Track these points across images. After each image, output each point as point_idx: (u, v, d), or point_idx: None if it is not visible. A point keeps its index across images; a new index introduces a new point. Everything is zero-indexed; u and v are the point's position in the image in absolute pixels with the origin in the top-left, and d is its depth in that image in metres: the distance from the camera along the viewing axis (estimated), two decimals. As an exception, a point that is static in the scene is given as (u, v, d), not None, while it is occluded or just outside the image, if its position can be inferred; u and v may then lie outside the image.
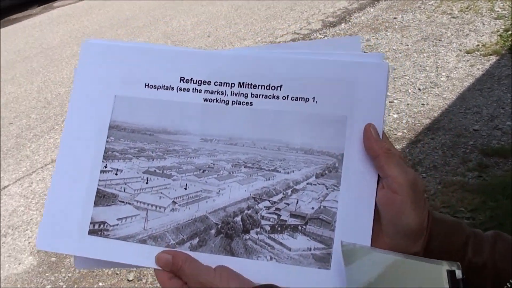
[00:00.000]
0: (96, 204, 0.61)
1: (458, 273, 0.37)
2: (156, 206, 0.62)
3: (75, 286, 2.40)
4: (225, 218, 0.60)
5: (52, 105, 4.63)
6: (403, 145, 2.88)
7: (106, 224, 0.61)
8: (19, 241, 2.83)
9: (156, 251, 0.60)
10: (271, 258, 0.59)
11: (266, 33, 5.04)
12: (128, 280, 2.35)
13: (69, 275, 2.47)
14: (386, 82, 0.61)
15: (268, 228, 0.60)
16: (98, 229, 0.61)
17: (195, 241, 0.60)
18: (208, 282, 0.55)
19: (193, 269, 0.57)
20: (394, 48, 4.11)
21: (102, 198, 0.62)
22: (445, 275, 0.37)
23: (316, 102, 0.61)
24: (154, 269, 0.60)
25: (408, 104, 3.26)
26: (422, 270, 0.41)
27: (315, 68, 0.62)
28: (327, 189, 0.60)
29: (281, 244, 0.59)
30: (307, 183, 0.61)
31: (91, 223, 0.61)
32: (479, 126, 2.95)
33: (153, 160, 0.63)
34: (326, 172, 0.60)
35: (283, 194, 0.61)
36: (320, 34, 4.76)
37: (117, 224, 0.61)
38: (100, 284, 2.37)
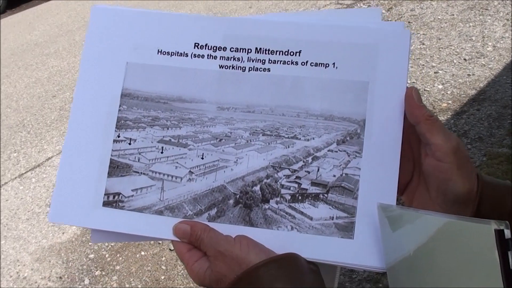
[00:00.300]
0: (110, 174, 0.60)
1: (507, 233, 0.35)
2: (172, 176, 0.60)
3: (118, 255, 2.44)
4: (244, 188, 0.58)
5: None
6: (448, 116, 2.81)
7: (120, 195, 0.59)
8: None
9: (173, 222, 0.58)
10: (292, 228, 0.57)
11: (309, 4, 4.92)
12: (170, 249, 2.37)
13: (112, 244, 2.51)
14: (408, 49, 0.58)
15: (288, 197, 0.58)
16: (112, 201, 0.59)
17: (213, 211, 0.58)
18: (228, 251, 0.53)
19: (212, 238, 0.55)
20: (439, 17, 3.97)
21: (116, 168, 0.60)
22: (494, 234, 0.35)
23: (336, 67, 0.59)
24: (172, 241, 0.58)
25: (453, 75, 3.18)
26: (471, 231, 0.39)
27: (336, 33, 0.60)
28: (349, 156, 0.58)
29: (302, 213, 0.57)
30: (328, 150, 0.58)
31: (105, 194, 0.59)
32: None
33: (167, 129, 0.61)
34: (348, 138, 0.58)
35: (303, 162, 0.58)
36: (363, 4, 4.64)
37: (132, 195, 0.59)
38: (142, 253, 2.40)
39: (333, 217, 0.56)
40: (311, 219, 0.57)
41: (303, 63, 0.60)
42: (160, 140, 0.61)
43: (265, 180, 0.58)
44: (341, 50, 0.59)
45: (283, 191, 0.58)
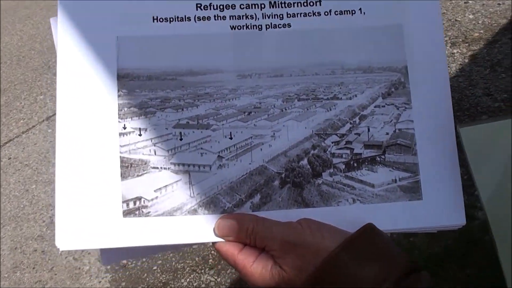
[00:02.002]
0: (123, 177, 0.48)
1: None
2: (199, 166, 0.50)
3: None
4: (289, 164, 0.50)
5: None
6: (481, 45, 2.78)
7: (142, 199, 0.48)
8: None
9: (212, 220, 0.48)
10: (354, 201, 0.50)
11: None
12: None
13: None
14: None
15: (342, 166, 0.50)
16: (134, 208, 0.48)
17: (257, 198, 0.50)
18: (298, 239, 0.45)
19: (271, 228, 0.46)
20: None
21: (130, 167, 0.48)
22: None
23: (364, 13, 0.52)
24: (215, 245, 0.49)
25: (483, 4, 3.13)
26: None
27: None
28: (398, 109, 0.52)
29: (361, 181, 0.50)
30: (375, 106, 0.52)
31: (123, 202, 0.48)
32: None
33: (182, 110, 0.50)
34: (393, 90, 0.52)
35: (351, 123, 0.51)
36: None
37: (156, 197, 0.49)
38: None
39: (396, 180, 0.50)
40: (373, 186, 0.50)
41: (326, 13, 0.52)
42: (176, 124, 0.50)
43: (312, 152, 0.50)
44: None
45: (335, 160, 0.50)
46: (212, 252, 1.95)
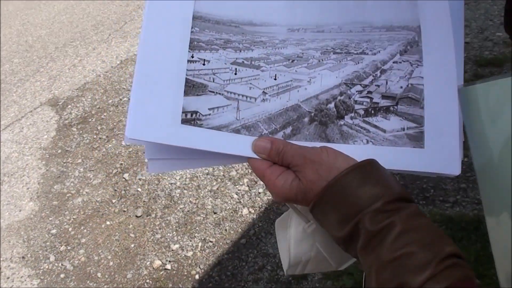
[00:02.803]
0: (186, 93, 0.60)
1: None
2: (247, 97, 0.62)
3: (82, 228, 2.37)
4: (318, 106, 0.61)
5: (34, 48, 4.45)
6: None
7: (198, 113, 0.60)
8: (17, 187, 2.76)
9: (250, 140, 0.60)
10: (367, 142, 0.60)
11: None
12: (136, 216, 2.34)
13: (74, 217, 2.45)
14: None
15: (362, 112, 0.61)
16: (190, 118, 0.60)
17: (288, 130, 0.61)
18: (316, 157, 0.55)
19: (297, 148, 0.58)
20: None
21: (192, 87, 0.61)
22: None
23: None
24: (249, 159, 0.60)
25: None
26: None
27: None
28: (411, 65, 0.61)
29: (375, 126, 0.60)
30: (393, 62, 0.62)
31: (183, 112, 0.60)
32: (470, 38, 3.01)
33: (240, 51, 0.63)
34: (408, 47, 0.62)
35: (373, 76, 0.62)
36: None
37: (209, 114, 0.60)
38: (108, 222, 2.36)
39: (404, 128, 0.60)
40: (384, 131, 0.60)
41: None
42: (233, 62, 0.62)
43: (339, 97, 0.61)
44: None
45: (356, 106, 0.61)
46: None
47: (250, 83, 0.62)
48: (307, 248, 0.64)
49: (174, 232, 2.19)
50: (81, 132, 3.06)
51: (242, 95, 0.62)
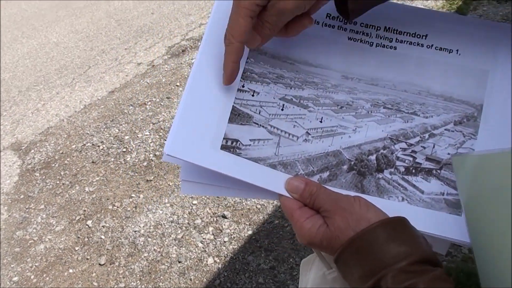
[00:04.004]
0: (230, 121, 0.61)
1: None
2: (289, 134, 0.61)
3: (44, 275, 2.31)
4: (359, 156, 0.61)
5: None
6: None
7: (239, 142, 0.60)
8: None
9: (285, 177, 0.60)
10: (402, 199, 0.59)
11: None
12: (99, 264, 2.28)
13: (36, 264, 2.38)
14: None
15: (402, 169, 0.60)
16: (230, 146, 0.60)
17: (325, 174, 0.60)
18: (348, 206, 0.55)
19: (330, 194, 0.57)
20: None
21: (237, 116, 0.61)
22: None
23: (460, 54, 0.62)
24: (281, 197, 0.59)
25: None
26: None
27: (462, 23, 0.63)
28: (464, 136, 0.60)
29: (414, 186, 0.59)
30: (445, 129, 0.61)
31: (224, 138, 0.60)
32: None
33: (291, 88, 0.63)
34: (465, 120, 0.61)
35: (420, 137, 0.61)
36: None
37: (250, 145, 0.61)
38: (71, 270, 2.29)
39: (443, 193, 0.59)
40: (422, 192, 0.59)
41: (428, 46, 0.63)
42: (282, 97, 0.63)
43: (381, 151, 0.61)
44: (465, 39, 0.63)
45: (398, 163, 0.60)
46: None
47: (295, 121, 0.62)
48: None
49: (138, 281, 2.15)
50: (44, 177, 3.01)
51: (285, 132, 0.61)
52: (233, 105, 0.61)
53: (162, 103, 3.40)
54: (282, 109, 0.62)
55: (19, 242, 2.56)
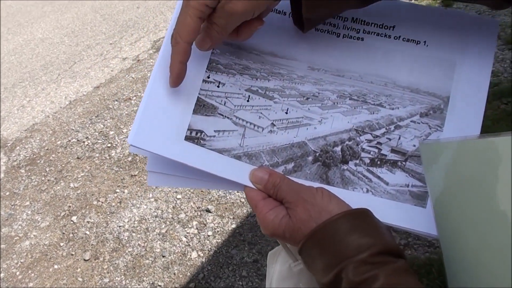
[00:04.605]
0: (195, 112, 0.60)
1: None
2: (254, 125, 0.61)
3: (29, 272, 2.30)
4: (325, 147, 0.60)
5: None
6: None
7: (203, 133, 0.60)
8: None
9: (249, 168, 0.59)
10: (367, 191, 0.59)
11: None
12: (84, 259, 2.28)
13: (22, 260, 2.37)
14: (496, 37, 0.62)
15: (367, 160, 0.60)
16: (194, 137, 0.59)
17: (290, 165, 0.60)
18: (310, 197, 0.54)
19: (293, 185, 0.56)
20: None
21: (202, 107, 0.60)
22: None
23: (427, 45, 0.62)
24: (245, 188, 0.59)
25: None
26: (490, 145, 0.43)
27: (430, 14, 0.63)
28: (430, 128, 0.60)
29: (379, 177, 0.59)
30: (411, 121, 0.61)
31: (188, 129, 0.59)
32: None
33: (256, 79, 0.62)
34: (431, 112, 0.61)
35: (386, 129, 0.61)
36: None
37: (214, 136, 0.60)
38: (56, 266, 2.29)
39: (408, 185, 0.59)
40: (387, 184, 0.59)
41: (395, 38, 0.62)
42: (247, 89, 0.62)
43: (346, 142, 0.60)
44: (433, 30, 0.62)
45: (363, 154, 0.60)
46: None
47: (261, 113, 0.61)
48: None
49: (123, 276, 2.14)
50: (29, 174, 3.00)
51: (250, 123, 0.61)
52: (198, 96, 0.61)
53: (147, 98, 3.37)
54: (248, 100, 0.62)
55: (4, 238, 2.55)
